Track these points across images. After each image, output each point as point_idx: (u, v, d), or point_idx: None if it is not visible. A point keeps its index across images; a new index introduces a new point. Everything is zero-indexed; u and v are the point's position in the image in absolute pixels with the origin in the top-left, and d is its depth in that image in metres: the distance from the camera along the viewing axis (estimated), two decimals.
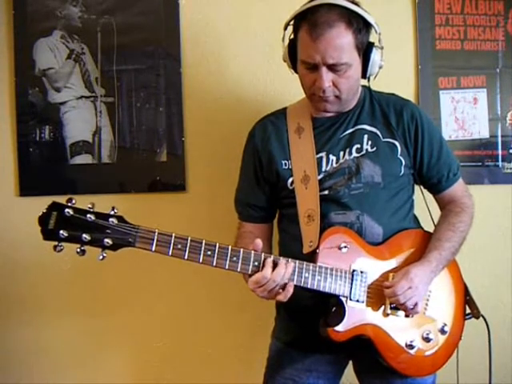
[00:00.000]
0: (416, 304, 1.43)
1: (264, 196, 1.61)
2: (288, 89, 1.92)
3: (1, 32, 1.99)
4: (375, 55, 1.49)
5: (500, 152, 2.04)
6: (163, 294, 2.03)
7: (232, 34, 2.00)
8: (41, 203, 1.95)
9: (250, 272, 1.36)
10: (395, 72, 2.00)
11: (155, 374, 2.05)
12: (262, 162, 1.59)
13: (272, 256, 1.37)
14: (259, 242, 1.37)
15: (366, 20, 1.44)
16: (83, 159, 2.00)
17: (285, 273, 1.35)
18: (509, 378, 1.99)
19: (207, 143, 2.01)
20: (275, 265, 1.35)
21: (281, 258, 1.38)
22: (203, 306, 2.03)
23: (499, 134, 2.04)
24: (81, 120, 2.00)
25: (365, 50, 1.47)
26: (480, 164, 2.03)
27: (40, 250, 1.99)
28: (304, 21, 1.42)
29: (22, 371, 2.04)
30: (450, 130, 2.02)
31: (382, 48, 1.50)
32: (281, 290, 1.36)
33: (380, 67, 1.53)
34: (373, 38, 1.51)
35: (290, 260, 1.38)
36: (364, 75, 1.51)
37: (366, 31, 1.47)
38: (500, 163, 2.04)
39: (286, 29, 1.53)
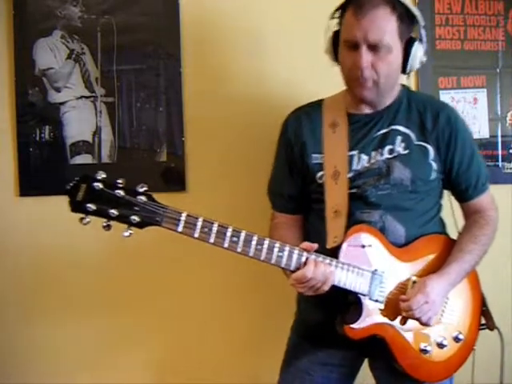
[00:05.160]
0: (430, 318, 1.43)
1: (297, 186, 1.60)
2: (288, 88, 1.93)
3: (1, 32, 1.99)
4: (417, 49, 1.48)
5: (500, 152, 2.04)
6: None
7: (232, 33, 1.99)
8: (41, 203, 1.98)
9: (292, 269, 1.37)
10: None
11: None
12: (295, 153, 1.57)
13: (313, 254, 1.38)
14: (308, 245, 1.38)
15: (410, 12, 1.45)
16: (83, 159, 2.00)
17: (325, 270, 1.36)
18: None
19: (207, 143, 2.01)
20: (317, 262, 1.36)
21: (320, 256, 1.39)
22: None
23: (499, 134, 2.04)
24: (81, 120, 2.00)
25: (407, 43, 1.46)
26: None
27: (40, 249, 2.01)
28: (350, 4, 1.44)
29: (21, 372, 2.04)
30: None
31: (425, 43, 1.49)
32: (321, 285, 1.37)
33: (422, 62, 1.51)
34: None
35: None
36: (404, 70, 1.49)
37: (410, 23, 1.47)
38: (500, 163, 2.04)
39: (331, 19, 1.52)
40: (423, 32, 1.50)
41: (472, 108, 2.03)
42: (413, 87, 2.01)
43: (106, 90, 1.99)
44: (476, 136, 2.03)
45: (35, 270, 2.01)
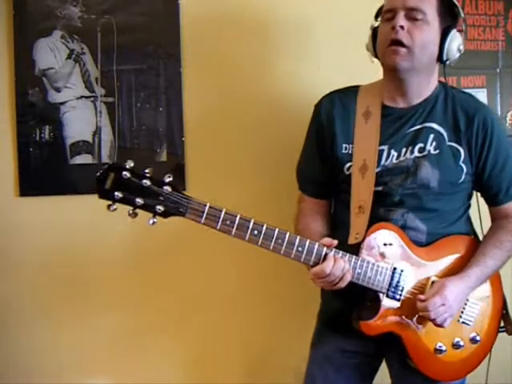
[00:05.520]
0: (445, 320, 1.43)
1: (325, 172, 1.58)
2: (289, 88, 1.93)
3: (1, 32, 1.98)
4: (454, 36, 1.47)
5: None
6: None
7: (232, 33, 2.00)
8: (41, 203, 1.98)
9: (311, 263, 1.38)
10: None
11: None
12: (326, 139, 1.55)
13: (333, 250, 1.39)
14: (329, 241, 1.39)
15: (452, 1, 1.46)
16: (83, 159, 2.00)
17: (344, 266, 1.37)
18: None
19: (207, 143, 2.01)
20: (336, 258, 1.37)
21: (340, 252, 1.39)
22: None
23: None
24: (81, 120, 1.99)
25: (445, 31, 1.46)
26: None
27: (40, 249, 2.01)
28: None
29: (23, 371, 2.04)
30: None
31: (464, 32, 1.50)
32: (339, 281, 1.38)
33: (459, 52, 1.50)
34: None
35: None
36: (440, 58, 1.48)
37: (451, 11, 1.47)
38: None
39: (376, 19, 1.53)
40: (463, 24, 1.50)
41: None
42: None
43: (106, 90, 1.99)
44: None
45: (35, 270, 2.01)
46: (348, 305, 1.47)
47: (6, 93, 1.99)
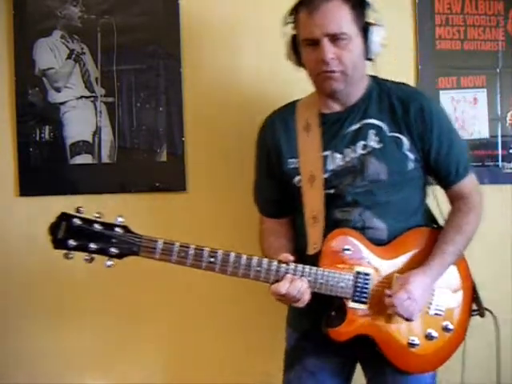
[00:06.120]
0: (413, 314, 1.43)
1: (279, 190, 1.60)
2: (288, 88, 1.92)
3: (1, 32, 1.99)
4: (375, 34, 1.49)
5: (500, 152, 2.03)
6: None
7: (232, 33, 2.00)
8: (41, 203, 1.99)
9: (271, 281, 1.40)
10: (395, 72, 1.99)
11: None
12: (272, 160, 1.58)
13: (292, 266, 1.40)
14: (285, 257, 1.41)
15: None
16: (83, 159, 2.00)
17: (301, 287, 1.39)
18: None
19: (207, 143, 2.01)
20: (293, 279, 1.39)
21: (299, 266, 1.41)
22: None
23: (499, 134, 2.03)
24: (81, 120, 2.00)
25: (364, 30, 1.47)
26: (480, 164, 2.03)
27: (40, 249, 2.01)
28: (301, 5, 1.46)
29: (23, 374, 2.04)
30: None
31: (381, 26, 1.50)
32: (296, 300, 1.40)
33: (382, 46, 1.51)
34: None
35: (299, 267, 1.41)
36: (367, 56, 1.50)
37: (362, 9, 1.48)
38: (500, 163, 2.04)
39: (285, 25, 1.53)
40: (376, 15, 1.50)
41: (472, 108, 2.03)
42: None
43: (106, 90, 1.99)
44: (476, 136, 2.03)
45: (35, 270, 2.01)
46: (316, 313, 1.47)
47: (6, 93, 2.00)
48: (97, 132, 2.00)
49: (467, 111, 2.03)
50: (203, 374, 2.03)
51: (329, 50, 1.42)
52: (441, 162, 1.53)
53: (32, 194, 1.99)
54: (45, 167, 2.00)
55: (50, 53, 1.99)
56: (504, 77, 2.03)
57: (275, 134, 1.58)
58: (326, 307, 1.47)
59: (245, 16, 1.99)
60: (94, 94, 1.99)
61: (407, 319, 1.43)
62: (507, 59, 2.02)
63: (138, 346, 2.05)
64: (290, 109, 1.61)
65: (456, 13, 2.01)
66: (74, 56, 1.99)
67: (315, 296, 1.42)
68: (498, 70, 2.03)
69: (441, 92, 2.02)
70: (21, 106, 2.00)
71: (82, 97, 2.00)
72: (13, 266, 2.01)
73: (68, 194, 1.98)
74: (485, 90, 2.03)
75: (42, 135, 2.00)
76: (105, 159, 2.00)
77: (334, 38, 1.42)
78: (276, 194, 1.61)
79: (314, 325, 1.49)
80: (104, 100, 2.00)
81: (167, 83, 2.00)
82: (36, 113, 1.99)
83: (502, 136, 2.03)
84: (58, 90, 1.99)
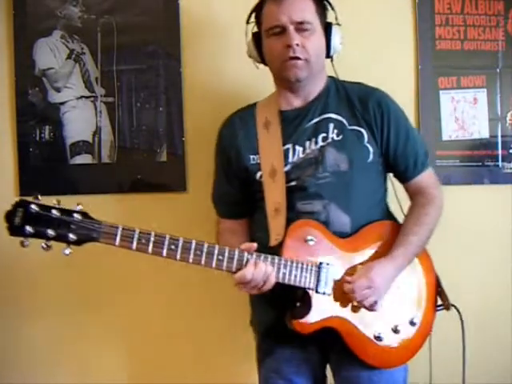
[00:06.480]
0: (375, 303, 1.44)
1: (236, 192, 1.62)
2: None
3: (1, 32, 1.99)
4: (335, 32, 1.56)
5: (500, 152, 2.04)
6: (157, 292, 2.02)
7: (232, 33, 1.99)
8: None
9: (234, 270, 1.39)
10: (395, 72, 2.00)
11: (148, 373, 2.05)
12: (231, 159, 1.60)
13: (254, 254, 1.39)
14: (248, 245, 1.40)
15: None
16: (83, 159, 2.00)
17: (266, 269, 1.38)
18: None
19: (207, 143, 2.00)
20: (256, 263, 1.38)
21: (262, 255, 1.40)
22: (199, 303, 2.02)
23: (499, 134, 2.03)
24: (81, 120, 2.00)
25: (325, 29, 1.54)
26: (480, 164, 2.03)
27: (40, 249, 2.01)
28: (266, 0, 1.53)
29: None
30: (449, 130, 2.02)
31: (339, 26, 1.57)
32: (263, 284, 1.39)
33: (340, 44, 1.58)
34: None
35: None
36: (328, 54, 1.56)
37: (323, 7, 1.55)
38: (500, 163, 2.04)
39: (248, 23, 1.60)
40: (337, 15, 1.57)
41: (472, 108, 2.03)
42: (413, 87, 2.02)
43: (106, 90, 1.99)
44: (476, 136, 2.03)
45: (35, 270, 2.01)
46: (280, 310, 1.47)
47: (6, 93, 2.00)
48: (97, 132, 2.00)
49: (467, 111, 2.03)
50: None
51: (295, 36, 1.48)
52: (399, 155, 1.57)
53: (32, 194, 1.98)
54: (45, 167, 2.00)
55: (50, 53, 1.98)
56: (504, 77, 2.03)
57: (234, 133, 1.61)
58: (288, 302, 1.46)
59: (245, 16, 1.99)
60: (94, 94, 1.99)
61: (368, 308, 1.44)
62: (507, 59, 2.03)
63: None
64: (249, 109, 1.65)
65: (456, 13, 2.02)
66: (73, 56, 1.99)
67: (277, 292, 1.42)
68: (498, 70, 2.03)
69: (441, 92, 2.02)
70: (21, 106, 1.99)
71: (82, 97, 1.99)
72: (12, 266, 2.01)
73: (68, 193, 1.97)
74: (485, 89, 2.03)
75: (42, 135, 2.00)
76: (105, 159, 2.00)
77: (299, 27, 1.48)
78: (234, 195, 1.63)
79: (277, 321, 1.48)
80: (104, 100, 2.00)
81: (167, 83, 2.00)
82: (36, 113, 1.99)
83: (502, 136, 2.04)
84: (57, 90, 1.99)
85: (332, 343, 1.49)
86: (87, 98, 1.99)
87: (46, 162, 2.00)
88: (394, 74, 1.99)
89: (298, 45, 1.47)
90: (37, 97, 1.99)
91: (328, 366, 1.63)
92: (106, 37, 1.97)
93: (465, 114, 2.02)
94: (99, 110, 2.00)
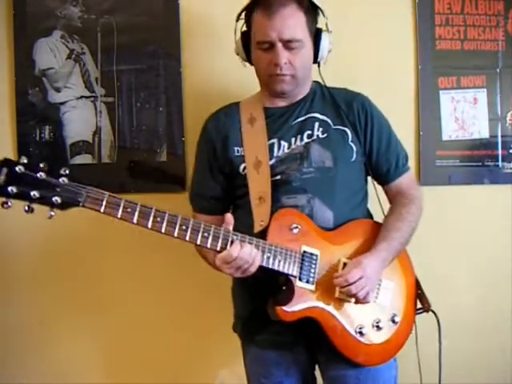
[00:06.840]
0: (368, 294, 1.44)
1: (218, 186, 1.61)
2: None
3: (1, 32, 1.99)
4: (325, 39, 1.55)
5: (500, 152, 2.04)
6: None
7: (232, 33, 1.99)
8: None
9: (218, 249, 1.37)
10: (395, 72, 2.01)
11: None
12: (216, 151, 1.60)
13: (239, 235, 1.38)
14: (229, 216, 1.39)
15: (313, 3, 1.52)
16: (83, 159, 2.00)
17: (252, 250, 1.37)
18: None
19: None
20: (242, 243, 1.37)
21: (247, 237, 1.39)
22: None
23: (499, 134, 2.04)
24: (81, 120, 2.00)
25: (314, 35, 1.54)
26: (480, 164, 2.03)
27: (40, 249, 2.01)
28: (257, 6, 1.50)
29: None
30: (449, 130, 2.02)
31: (330, 31, 1.56)
32: (248, 266, 1.37)
33: (329, 51, 1.58)
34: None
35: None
36: (315, 59, 1.57)
37: (315, 14, 1.54)
38: (500, 163, 2.04)
39: (237, 20, 1.59)
40: (327, 22, 1.56)
41: (472, 108, 2.03)
42: (413, 87, 2.02)
43: (106, 90, 1.99)
44: (476, 136, 2.03)
45: (35, 270, 2.01)
46: (262, 299, 1.46)
47: (6, 93, 2.00)
48: (97, 132, 2.00)
49: (467, 111, 2.03)
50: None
51: (283, 55, 1.48)
52: (381, 155, 1.59)
53: None
54: None
55: (50, 53, 1.98)
56: (504, 77, 2.03)
57: (220, 127, 1.61)
58: (271, 290, 1.46)
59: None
60: (94, 94, 1.99)
61: (362, 300, 1.44)
62: (507, 59, 2.03)
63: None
64: (233, 106, 1.66)
65: (456, 13, 2.02)
66: (73, 56, 1.99)
67: (260, 278, 1.41)
68: (498, 70, 2.03)
69: (441, 92, 2.02)
70: (21, 106, 1.99)
71: (82, 97, 2.00)
72: (12, 266, 2.01)
73: None
74: (485, 89, 2.03)
75: (42, 135, 2.00)
76: (105, 159, 2.00)
77: (288, 44, 1.47)
78: (215, 190, 1.62)
79: (258, 312, 1.48)
80: (104, 100, 2.00)
81: (167, 83, 2.00)
82: (36, 113, 1.99)
83: (502, 136, 2.04)
84: (57, 90, 1.99)
85: (319, 343, 1.49)
86: (87, 98, 2.00)
87: (45, 162, 1.99)
88: (394, 74, 1.99)
89: (285, 63, 1.48)
90: (37, 97, 1.99)
91: (317, 368, 1.62)
92: (105, 37, 1.98)
93: (465, 113, 2.02)
94: (99, 110, 2.00)
